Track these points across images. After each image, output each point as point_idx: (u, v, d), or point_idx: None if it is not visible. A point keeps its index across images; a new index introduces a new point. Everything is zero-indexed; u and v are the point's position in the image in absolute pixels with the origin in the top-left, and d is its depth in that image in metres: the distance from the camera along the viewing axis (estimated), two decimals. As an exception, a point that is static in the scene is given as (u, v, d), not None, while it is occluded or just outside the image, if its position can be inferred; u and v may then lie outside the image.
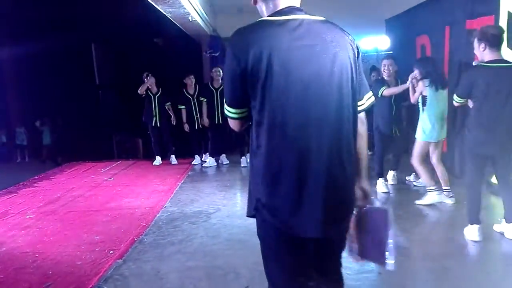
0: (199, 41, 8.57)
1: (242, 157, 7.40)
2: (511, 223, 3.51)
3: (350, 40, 1.58)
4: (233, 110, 1.60)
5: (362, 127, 1.67)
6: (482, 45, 3.35)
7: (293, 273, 1.61)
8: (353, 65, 1.55)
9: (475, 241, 3.49)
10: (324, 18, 1.59)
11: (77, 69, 9.33)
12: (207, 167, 7.31)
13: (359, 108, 1.63)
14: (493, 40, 3.34)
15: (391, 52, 7.91)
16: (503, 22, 4.83)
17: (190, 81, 7.42)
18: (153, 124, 7.45)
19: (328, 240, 1.62)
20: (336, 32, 1.56)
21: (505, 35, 3.46)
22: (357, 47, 1.60)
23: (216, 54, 8.51)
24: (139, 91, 7.27)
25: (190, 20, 6.64)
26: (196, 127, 7.49)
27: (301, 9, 1.59)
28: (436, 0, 6.43)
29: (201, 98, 7.29)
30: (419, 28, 6.96)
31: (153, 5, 5.80)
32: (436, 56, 6.31)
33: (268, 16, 1.57)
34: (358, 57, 1.60)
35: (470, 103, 3.55)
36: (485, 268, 3.18)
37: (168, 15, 6.40)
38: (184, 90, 7.46)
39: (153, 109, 7.41)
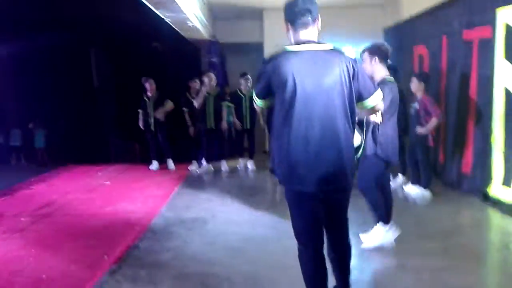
0: (198, 46, 8.59)
1: (240, 160, 7.42)
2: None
3: (347, 61, 2.28)
4: (259, 100, 2.46)
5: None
6: (375, 59, 3.52)
7: (305, 218, 2.35)
8: (347, 80, 2.26)
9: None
10: (330, 48, 2.30)
11: (74, 71, 9.32)
12: (203, 172, 7.31)
13: (366, 104, 2.39)
14: (385, 55, 3.55)
15: (389, 61, 7.89)
16: (500, 34, 4.87)
17: (195, 84, 7.36)
18: (150, 128, 7.45)
19: (328, 197, 2.34)
20: (336, 57, 2.28)
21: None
22: (353, 65, 2.29)
23: (215, 60, 8.53)
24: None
25: (189, 25, 6.65)
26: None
27: (314, 41, 2.32)
28: (433, 11, 6.46)
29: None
30: (417, 37, 7.00)
31: (152, 10, 5.80)
32: (433, 66, 6.36)
33: (292, 44, 2.34)
34: (354, 72, 2.29)
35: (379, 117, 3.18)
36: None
37: (167, 20, 6.41)
38: (187, 93, 7.42)
39: (150, 114, 7.39)
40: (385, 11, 8.35)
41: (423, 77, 5.49)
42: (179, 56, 8.37)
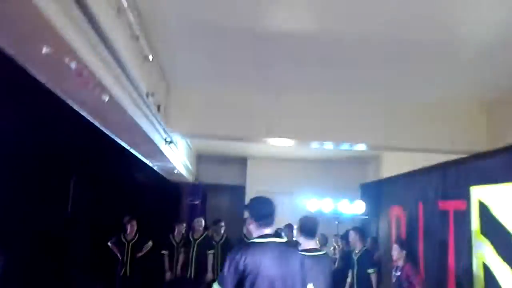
0: (181, 188, 8.67)
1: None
2: None
3: (299, 255, 2.88)
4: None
5: None
6: (298, 233, 3.87)
7: None
8: (299, 269, 2.77)
9: None
10: (285, 241, 3.11)
11: (50, 198, 9.05)
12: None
13: None
14: (305, 229, 3.82)
15: (366, 217, 7.98)
16: (474, 209, 5.02)
17: (181, 228, 7.21)
18: (122, 274, 7.02)
19: None
20: (291, 250, 2.85)
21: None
22: (302, 258, 2.85)
23: (196, 202, 8.56)
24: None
25: (175, 172, 6.81)
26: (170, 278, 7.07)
27: (272, 235, 2.81)
28: (410, 175, 6.67)
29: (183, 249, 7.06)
30: (394, 198, 7.15)
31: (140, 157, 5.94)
32: (410, 230, 6.40)
33: (255, 238, 2.77)
34: (303, 263, 2.81)
35: None
36: None
37: (154, 167, 6.57)
38: (171, 236, 7.19)
39: (125, 257, 7.01)
40: (367, 167, 8.77)
41: (405, 244, 5.51)
42: (160, 196, 8.35)
